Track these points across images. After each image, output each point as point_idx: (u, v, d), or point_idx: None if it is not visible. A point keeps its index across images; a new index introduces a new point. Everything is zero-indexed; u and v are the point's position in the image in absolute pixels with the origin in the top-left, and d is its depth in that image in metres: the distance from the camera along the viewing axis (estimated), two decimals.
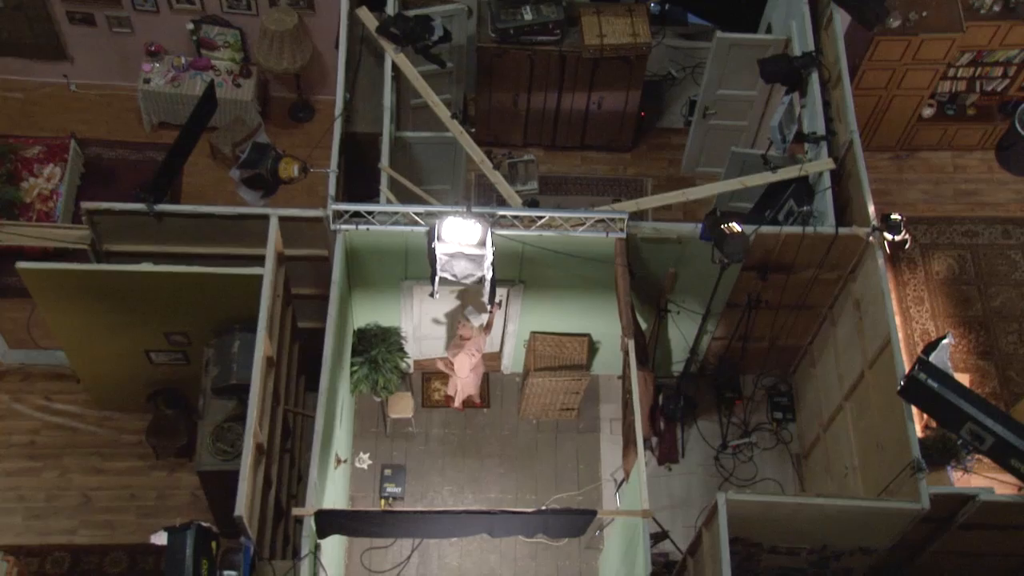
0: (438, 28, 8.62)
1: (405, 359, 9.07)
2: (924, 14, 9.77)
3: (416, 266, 8.15)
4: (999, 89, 10.65)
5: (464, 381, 9.06)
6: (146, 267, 7.53)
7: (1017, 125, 7.34)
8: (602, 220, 7.75)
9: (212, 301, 7.70)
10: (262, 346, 7.10)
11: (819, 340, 9.07)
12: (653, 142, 11.17)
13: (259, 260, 7.39)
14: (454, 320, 9.01)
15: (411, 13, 8.81)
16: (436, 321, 9.09)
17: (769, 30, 9.92)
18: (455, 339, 8.90)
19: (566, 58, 9.86)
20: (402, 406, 9.21)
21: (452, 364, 8.95)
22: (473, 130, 10.35)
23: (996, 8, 9.84)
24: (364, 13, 8.68)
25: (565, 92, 10.26)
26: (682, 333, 9.04)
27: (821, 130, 8.42)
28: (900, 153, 11.10)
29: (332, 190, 7.73)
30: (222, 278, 7.50)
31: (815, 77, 8.60)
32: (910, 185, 10.99)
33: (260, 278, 7.27)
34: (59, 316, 7.96)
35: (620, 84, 10.19)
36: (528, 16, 9.56)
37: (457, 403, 9.32)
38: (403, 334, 9.05)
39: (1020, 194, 10.87)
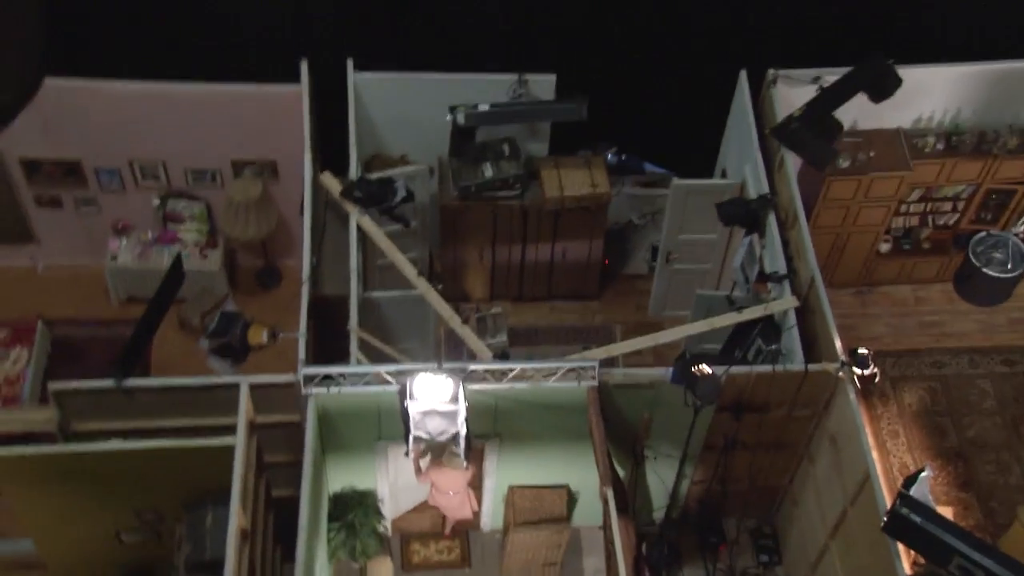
0: (401, 189, 8.80)
1: (383, 522, 8.89)
2: (872, 154, 10.11)
3: (390, 426, 8.07)
4: (951, 223, 10.96)
5: (450, 501, 8.82)
6: (115, 444, 7.40)
7: (971, 256, 7.50)
8: (573, 369, 7.76)
9: (183, 474, 7.55)
10: (236, 519, 6.93)
11: (799, 479, 9.00)
12: (619, 288, 11.30)
13: (231, 430, 7.29)
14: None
15: (374, 176, 9.01)
16: (412, 485, 8.95)
17: (724, 175, 10.21)
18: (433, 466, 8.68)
19: (528, 211, 10.06)
20: (382, 571, 8.96)
21: (431, 481, 8.71)
22: (440, 286, 10.41)
23: (939, 147, 10.22)
24: (328, 178, 8.86)
25: (529, 244, 10.43)
26: (661, 479, 8.95)
27: (783, 269, 8.57)
28: (862, 288, 11.29)
29: (302, 354, 7.72)
30: (193, 451, 7.37)
31: (772, 218, 8.81)
32: (874, 319, 11.14)
33: (232, 448, 7.16)
34: (27, 502, 7.74)
35: (583, 234, 10.38)
36: (489, 173, 9.79)
37: (447, 530, 9.06)
38: (380, 496, 8.89)
39: (982, 323, 11.06)
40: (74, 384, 7.54)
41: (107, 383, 7.46)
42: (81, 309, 10.72)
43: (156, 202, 10.43)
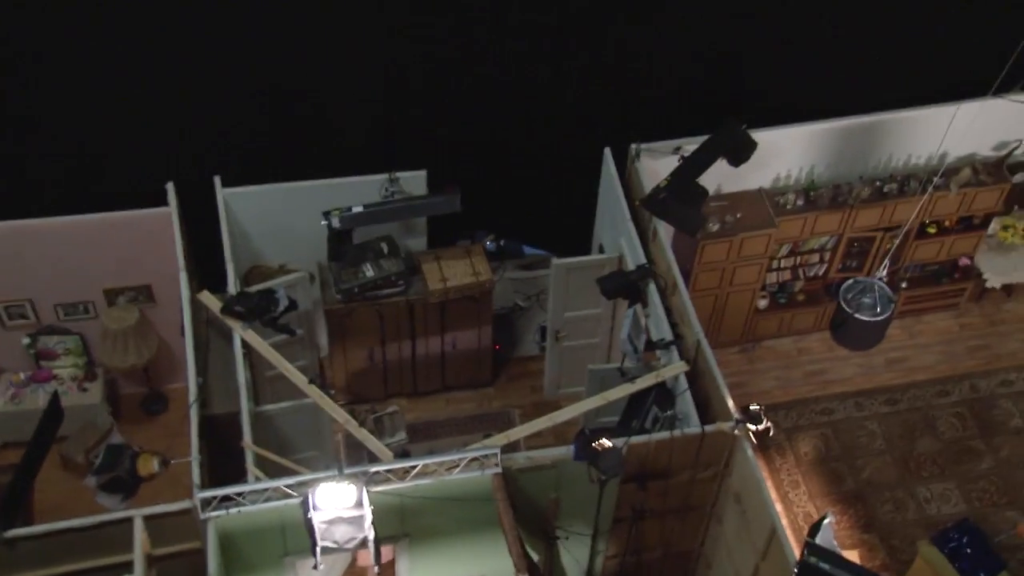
0: (282, 299, 8.71)
1: None
2: (739, 215, 10.49)
3: (295, 540, 7.85)
4: (820, 273, 11.41)
5: None
6: None
7: (842, 304, 7.79)
8: (476, 459, 7.72)
9: None
10: None
11: (710, 541, 9.07)
12: (513, 372, 11.35)
13: (127, 567, 6.99)
14: None
15: (254, 289, 8.90)
16: None
17: (601, 250, 10.43)
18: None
19: (414, 306, 10.08)
20: None
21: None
22: (333, 392, 10.29)
23: (799, 203, 10.67)
24: (206, 296, 8.72)
25: (418, 338, 10.42)
26: (575, 558, 8.90)
27: (669, 335, 8.75)
28: (746, 345, 11.60)
29: (196, 478, 7.48)
30: None
31: (653, 287, 9.01)
32: (762, 374, 11.43)
33: None
34: None
35: (470, 322, 10.43)
36: (370, 273, 9.79)
37: None
38: None
39: (862, 367, 11.45)
40: None
41: None
42: None
43: (26, 341, 10.07)
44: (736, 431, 8.01)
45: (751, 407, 7.87)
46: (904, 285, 11.59)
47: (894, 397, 11.23)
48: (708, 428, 8.03)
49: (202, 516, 7.38)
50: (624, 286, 9.08)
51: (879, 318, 7.73)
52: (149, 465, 7.42)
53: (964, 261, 11.68)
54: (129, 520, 7.22)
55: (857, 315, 7.71)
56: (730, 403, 8.06)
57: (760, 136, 9.25)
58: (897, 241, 10.08)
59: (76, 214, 9.29)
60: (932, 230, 11.29)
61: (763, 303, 11.40)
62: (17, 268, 9.47)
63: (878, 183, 10.75)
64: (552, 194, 10.90)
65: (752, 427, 7.88)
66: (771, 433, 8.08)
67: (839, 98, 10.44)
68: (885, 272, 7.93)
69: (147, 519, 7.29)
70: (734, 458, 8.22)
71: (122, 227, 9.37)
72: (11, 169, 9.65)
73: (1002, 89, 8.77)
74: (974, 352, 11.65)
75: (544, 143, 10.62)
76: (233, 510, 7.39)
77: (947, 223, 11.30)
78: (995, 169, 11.01)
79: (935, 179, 10.43)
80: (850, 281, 7.88)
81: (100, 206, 9.31)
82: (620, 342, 9.48)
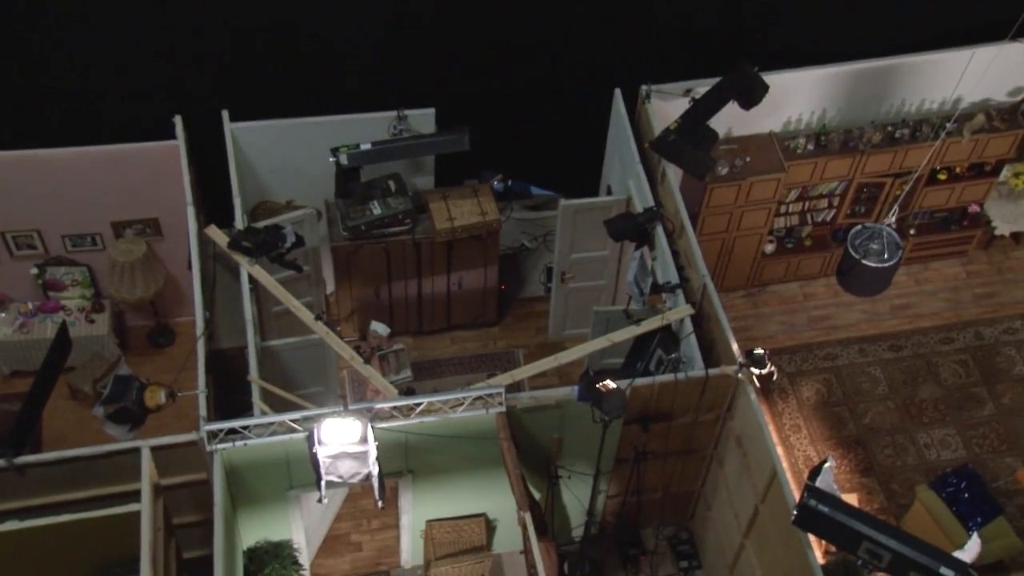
0: (289, 235, 8.72)
1: (301, 572, 8.72)
2: (748, 159, 10.42)
3: (300, 474, 7.96)
4: (828, 219, 11.36)
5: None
6: (11, 525, 7.10)
7: (850, 250, 7.78)
8: (480, 397, 7.77)
9: (89, 547, 7.30)
10: None
11: (710, 482, 9.16)
12: (518, 313, 11.37)
13: (135, 496, 7.09)
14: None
15: (261, 224, 8.90)
16: (320, 521, 8.83)
17: (609, 192, 10.39)
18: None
19: (420, 245, 10.07)
20: None
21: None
22: (339, 328, 10.35)
23: (810, 147, 10.59)
24: (213, 231, 8.72)
25: (424, 277, 10.43)
26: (576, 497, 9.01)
27: (675, 278, 8.75)
28: (752, 290, 11.59)
29: (203, 411, 7.56)
30: (97, 521, 7.14)
31: (660, 230, 8.99)
32: (767, 318, 11.44)
33: (138, 515, 6.96)
34: None
35: (476, 262, 10.43)
36: (377, 211, 9.77)
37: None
38: (295, 546, 8.74)
39: (867, 313, 11.46)
40: None
41: None
42: None
43: (34, 271, 10.11)
44: (740, 375, 8.04)
45: (755, 351, 7.89)
46: (912, 232, 11.54)
47: (898, 343, 11.26)
48: (712, 371, 8.07)
49: (208, 448, 7.47)
50: (631, 228, 9.06)
51: (886, 264, 7.72)
52: (156, 396, 7.48)
53: (974, 208, 11.62)
54: (137, 450, 7.30)
55: (865, 261, 7.70)
56: (734, 347, 8.09)
57: (772, 79, 9.15)
58: (907, 187, 10.02)
59: (85, 145, 9.26)
60: (942, 176, 11.21)
61: (770, 247, 11.37)
62: (25, 198, 9.46)
63: (890, 128, 10.66)
64: (561, 135, 10.82)
65: (756, 371, 7.91)
66: (774, 377, 8.12)
67: (853, 41, 10.30)
68: (894, 218, 7.90)
69: (154, 450, 7.37)
70: (737, 401, 8.27)
71: (130, 159, 9.34)
72: (21, 100, 9.59)
73: (1020, 34, 8.63)
74: (980, 300, 11.64)
75: (554, 83, 10.52)
76: (239, 443, 7.48)
77: (958, 170, 11.21)
78: (1009, 115, 10.89)
79: (948, 125, 10.33)
80: (859, 227, 7.86)
81: (109, 138, 9.28)
82: (626, 284, 9.48)
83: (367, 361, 8.77)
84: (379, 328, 9.51)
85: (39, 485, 7.40)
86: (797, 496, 7.06)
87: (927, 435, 10.59)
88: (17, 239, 9.83)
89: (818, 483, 6.71)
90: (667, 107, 9.56)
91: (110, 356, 10.33)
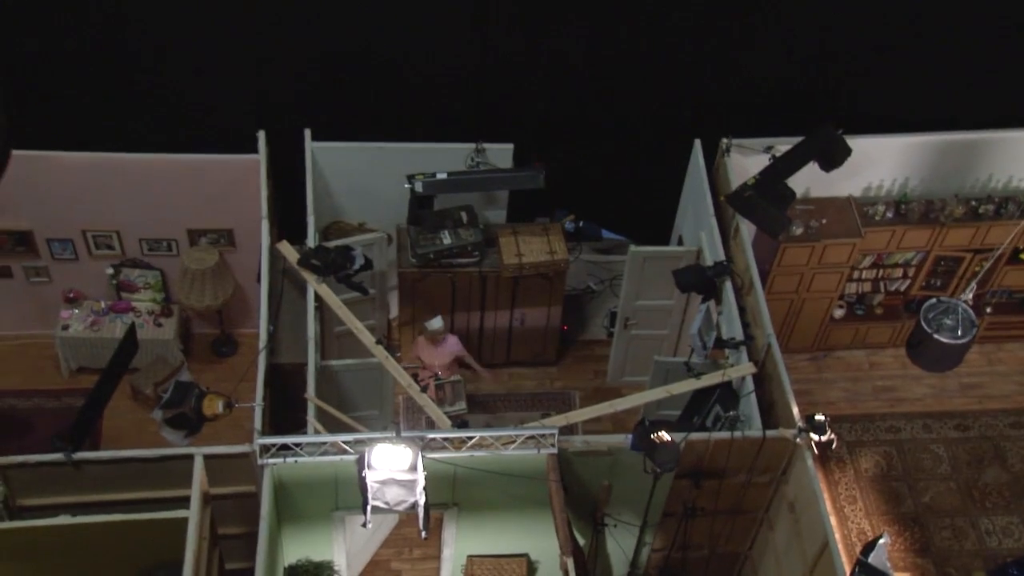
0: (359, 257, 8.80)
1: None
2: (824, 221, 10.29)
3: (347, 496, 7.97)
4: (902, 289, 11.15)
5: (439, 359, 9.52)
6: (64, 520, 7.21)
7: (922, 322, 7.61)
8: (533, 437, 7.73)
9: (135, 548, 7.37)
10: None
11: (758, 545, 8.98)
12: (578, 354, 11.32)
13: (184, 502, 7.15)
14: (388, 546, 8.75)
15: (332, 244, 9.00)
16: (365, 548, 8.82)
17: (680, 242, 10.33)
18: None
19: (486, 278, 10.09)
20: None
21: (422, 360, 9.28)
22: (399, 354, 10.40)
23: (889, 215, 10.43)
24: (285, 247, 8.84)
25: (487, 311, 10.44)
26: (621, 547, 8.89)
27: (739, 335, 8.64)
28: (817, 354, 11.40)
29: (258, 424, 7.62)
30: (145, 524, 7.21)
31: (728, 285, 8.90)
32: (830, 384, 11.23)
33: (185, 521, 7.02)
34: None
35: (541, 300, 10.42)
36: (447, 240, 9.83)
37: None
38: (336, 567, 8.73)
39: (934, 388, 11.19)
40: (20, 458, 7.35)
41: (55, 456, 7.29)
42: (28, 380, 10.52)
43: (110, 271, 10.33)
44: (798, 439, 7.89)
45: (816, 416, 7.75)
46: (989, 310, 11.27)
47: (965, 423, 10.96)
48: (770, 433, 7.93)
49: (260, 462, 7.52)
50: (700, 280, 8.99)
51: (959, 341, 7.54)
52: (214, 405, 7.56)
53: None
54: (190, 457, 7.38)
55: (937, 335, 7.53)
56: (795, 410, 7.95)
57: (855, 143, 9.05)
58: (988, 264, 9.81)
59: (169, 152, 9.47)
60: None
61: (839, 312, 11.19)
62: (109, 200, 9.69)
63: (973, 203, 10.45)
64: (636, 180, 10.80)
65: (815, 437, 7.76)
66: (834, 445, 7.96)
67: (940, 111, 10.14)
68: (971, 295, 7.72)
69: (207, 458, 7.44)
70: (793, 466, 8.11)
71: (211, 170, 9.53)
72: (113, 103, 9.85)
73: None
74: None
75: (634, 128, 10.52)
76: (290, 459, 7.52)
77: None
78: None
79: None
80: (933, 300, 7.69)
81: (192, 147, 9.48)
82: (690, 336, 9.38)
83: (424, 390, 8.78)
84: (435, 322, 9.60)
85: (93, 482, 7.51)
86: (848, 570, 6.89)
87: (989, 521, 10.27)
88: (97, 239, 10.06)
89: (871, 559, 6.55)
90: (746, 162, 9.50)
91: (173, 361, 10.48)
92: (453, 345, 9.77)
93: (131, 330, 8.37)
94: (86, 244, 10.08)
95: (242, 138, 9.38)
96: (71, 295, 10.44)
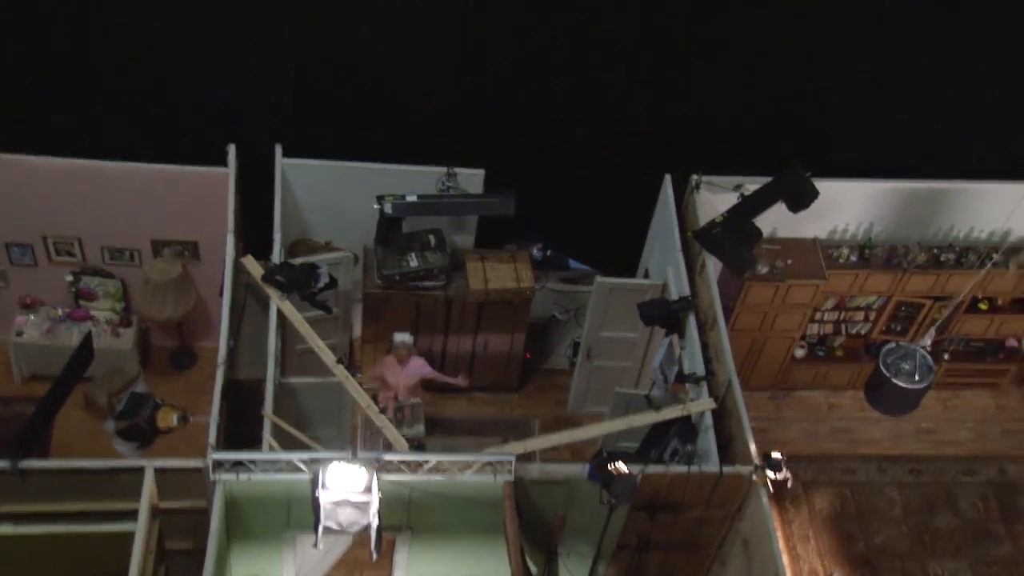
0: (324, 275, 8.74)
1: None
2: (789, 262, 10.37)
3: (299, 515, 7.87)
4: (863, 332, 11.25)
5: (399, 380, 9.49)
6: (6, 529, 7.07)
7: (881, 366, 7.68)
8: (490, 463, 7.69)
9: (79, 561, 7.24)
10: None
11: None
12: (539, 383, 11.30)
13: (132, 515, 7.03)
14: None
15: (297, 261, 8.94)
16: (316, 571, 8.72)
17: (647, 275, 10.37)
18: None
19: (452, 302, 10.07)
20: None
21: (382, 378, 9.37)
22: (359, 375, 10.32)
23: (853, 258, 10.54)
24: (250, 261, 8.77)
25: (451, 335, 10.41)
26: None
27: (701, 370, 8.66)
28: (777, 392, 11.46)
29: (212, 439, 7.52)
30: (90, 536, 7.10)
31: (692, 320, 8.93)
32: (788, 423, 11.29)
33: (132, 535, 6.90)
34: None
35: (505, 327, 10.40)
36: (414, 263, 9.80)
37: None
38: None
39: (891, 432, 11.27)
40: None
41: (1, 463, 7.14)
42: None
43: (69, 278, 10.19)
44: (754, 476, 7.91)
45: (773, 454, 7.77)
46: (946, 357, 11.39)
47: (919, 467, 11.04)
48: (727, 469, 7.94)
49: (212, 477, 7.42)
50: (664, 315, 9.01)
51: (917, 386, 7.61)
52: (168, 418, 7.47)
53: (1011, 342, 11.46)
54: (141, 469, 7.26)
55: (895, 380, 7.59)
56: (752, 447, 7.96)
57: (823, 186, 9.12)
58: (947, 312, 9.92)
59: (138, 161, 9.39)
60: (984, 306, 11.10)
61: (800, 352, 11.26)
62: (72, 206, 9.57)
63: (936, 250, 10.58)
64: (605, 212, 10.84)
65: (771, 475, 7.77)
66: (789, 484, 7.98)
67: (908, 159, 10.29)
68: (929, 341, 7.80)
69: (159, 471, 7.34)
70: (748, 503, 8.12)
71: (179, 181, 9.45)
72: (85, 111, 9.75)
73: None
74: (1008, 435, 11.42)
75: (606, 161, 10.58)
76: (243, 476, 7.42)
77: (1000, 301, 11.10)
78: None
79: (995, 256, 10.25)
80: (892, 344, 7.77)
81: (163, 158, 9.40)
82: (651, 370, 9.41)
83: (383, 411, 8.72)
84: (403, 336, 9.52)
85: (39, 491, 7.36)
86: None
87: (938, 565, 10.33)
88: (57, 245, 9.93)
89: None
90: (715, 199, 9.56)
91: (130, 372, 10.34)
92: (420, 367, 9.71)
93: (87, 338, 8.25)
94: (46, 250, 9.94)
95: (212, 150, 9.32)
96: (28, 301, 10.28)
